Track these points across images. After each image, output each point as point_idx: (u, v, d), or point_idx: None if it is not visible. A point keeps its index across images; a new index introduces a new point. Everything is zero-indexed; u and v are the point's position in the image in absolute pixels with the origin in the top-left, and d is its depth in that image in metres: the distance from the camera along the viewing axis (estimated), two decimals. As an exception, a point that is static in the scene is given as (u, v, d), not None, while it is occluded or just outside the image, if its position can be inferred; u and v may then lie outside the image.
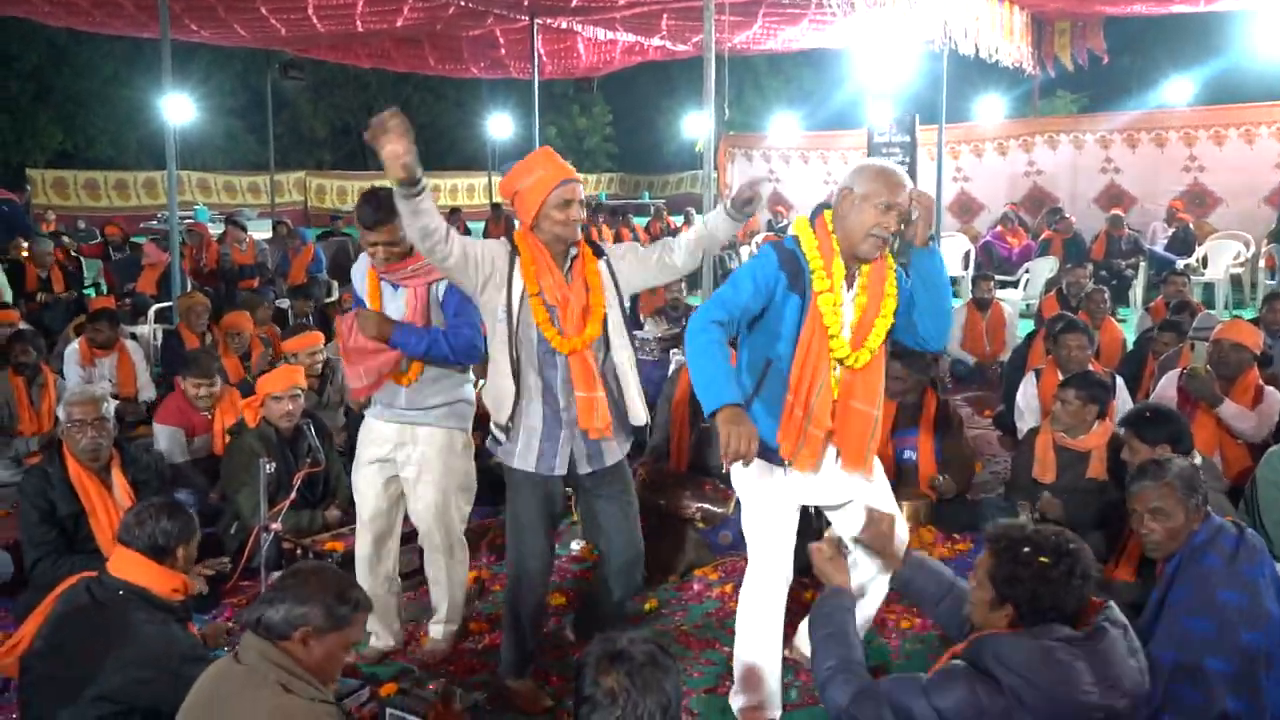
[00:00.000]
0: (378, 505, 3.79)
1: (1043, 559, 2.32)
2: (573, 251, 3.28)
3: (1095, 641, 2.31)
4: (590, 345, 3.22)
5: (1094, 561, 2.38)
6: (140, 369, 7.05)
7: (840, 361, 3.04)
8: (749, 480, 3.17)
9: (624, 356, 3.31)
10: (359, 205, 3.49)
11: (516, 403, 3.23)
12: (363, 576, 3.81)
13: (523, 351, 3.20)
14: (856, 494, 3.21)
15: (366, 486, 3.78)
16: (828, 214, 3.11)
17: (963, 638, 2.52)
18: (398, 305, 3.57)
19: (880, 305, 3.09)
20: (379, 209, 3.43)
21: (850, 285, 3.08)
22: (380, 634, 3.92)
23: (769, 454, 3.07)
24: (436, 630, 3.96)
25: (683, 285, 8.93)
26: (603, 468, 3.35)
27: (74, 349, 6.88)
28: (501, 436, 3.32)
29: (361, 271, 3.70)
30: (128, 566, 2.93)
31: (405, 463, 3.70)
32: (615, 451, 3.37)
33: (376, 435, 3.72)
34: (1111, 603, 2.44)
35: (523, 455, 3.29)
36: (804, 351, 3.01)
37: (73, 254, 11.53)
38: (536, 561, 3.40)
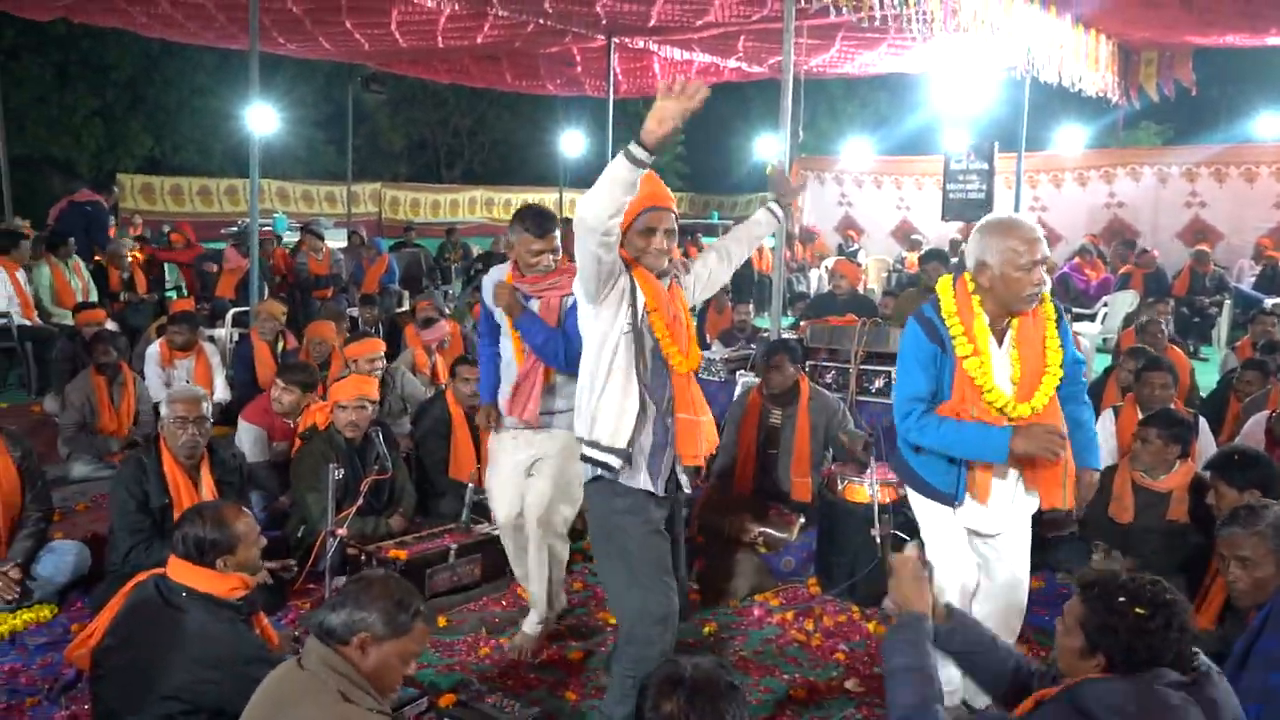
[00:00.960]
0: (512, 508, 4.09)
1: (1139, 609, 2.22)
2: (670, 273, 3.22)
3: (1203, 688, 2.22)
4: (697, 368, 3.27)
5: (1191, 613, 2.28)
6: (217, 371, 7.22)
7: (1002, 411, 3.13)
8: (928, 516, 3.37)
9: None
10: (528, 217, 3.81)
11: (639, 424, 3.05)
12: (518, 565, 4.26)
13: (649, 369, 3.07)
14: (1006, 528, 3.33)
15: (501, 491, 4.11)
16: (967, 278, 3.19)
17: (1002, 697, 2.48)
18: (530, 314, 3.87)
19: (1045, 357, 3.17)
20: (548, 220, 3.82)
21: (1001, 342, 3.18)
22: (534, 606, 4.18)
23: (940, 496, 3.27)
24: (530, 627, 4.11)
25: (750, 308, 8.90)
26: (676, 498, 3.26)
27: (154, 350, 7.06)
28: (615, 461, 3.03)
29: (494, 282, 3.97)
30: (180, 571, 2.98)
31: (531, 461, 4.00)
32: (686, 482, 3.25)
33: (508, 444, 4.04)
34: (1200, 652, 2.34)
35: (643, 477, 3.06)
36: (956, 403, 3.15)
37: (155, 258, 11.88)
38: (667, 602, 3.03)
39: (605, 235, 2.86)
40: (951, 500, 3.24)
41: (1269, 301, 11.32)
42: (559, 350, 3.75)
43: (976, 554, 3.38)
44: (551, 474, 3.96)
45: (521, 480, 4.05)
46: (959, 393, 3.14)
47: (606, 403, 3.04)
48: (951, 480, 3.23)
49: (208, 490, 4.28)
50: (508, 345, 3.96)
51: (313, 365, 5.96)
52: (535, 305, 3.84)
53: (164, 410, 4.35)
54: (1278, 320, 8.21)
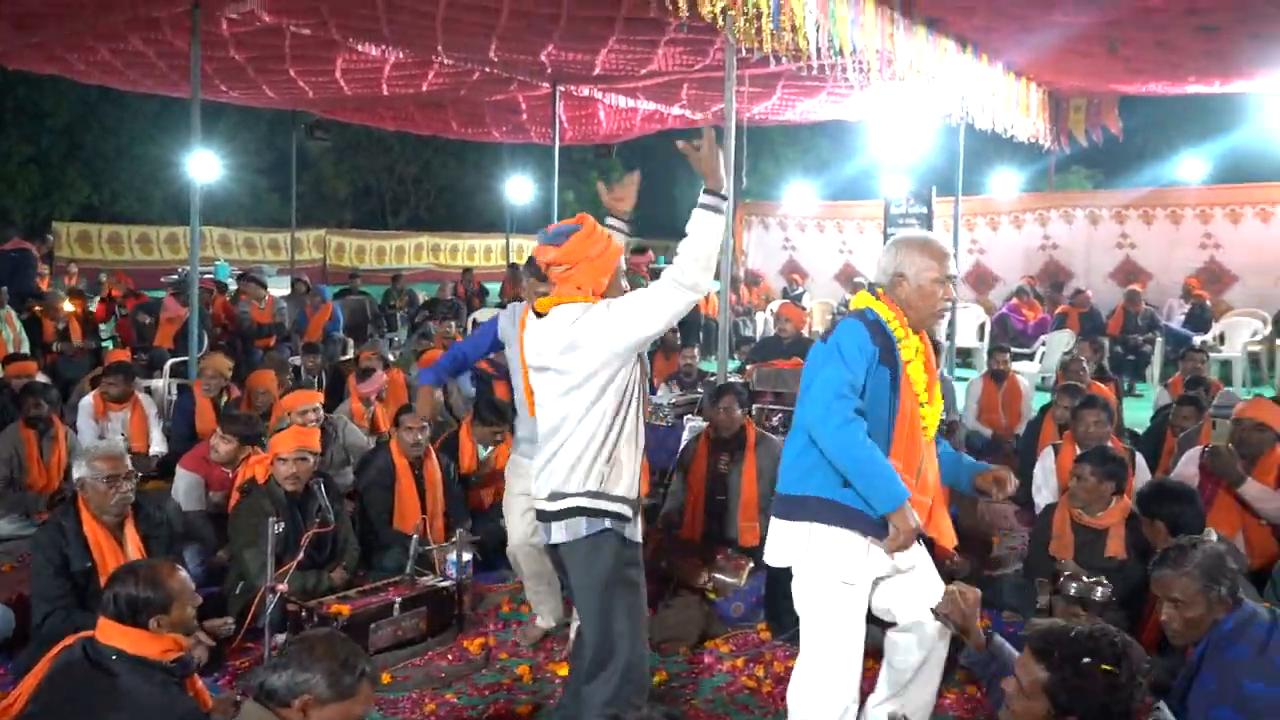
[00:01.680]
0: (525, 530, 4.25)
1: (1106, 667, 2.21)
2: None
3: None
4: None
5: (1144, 655, 2.29)
6: (154, 424, 7.06)
7: (924, 429, 3.09)
8: (837, 557, 3.04)
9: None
10: (531, 261, 3.71)
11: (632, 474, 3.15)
12: (532, 585, 4.50)
13: (638, 412, 3.17)
14: (918, 560, 3.17)
15: (517, 518, 4.29)
16: (881, 292, 3.14)
17: None
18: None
19: (936, 373, 3.15)
20: None
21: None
22: (543, 615, 4.52)
23: (876, 529, 3.00)
24: (543, 621, 4.53)
25: (695, 352, 8.94)
26: None
27: (88, 402, 6.88)
28: (629, 511, 3.13)
29: (512, 322, 4.26)
30: (111, 633, 2.88)
31: None
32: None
33: (524, 470, 4.09)
34: (1162, 704, 2.34)
35: (639, 527, 3.19)
36: (906, 422, 3.01)
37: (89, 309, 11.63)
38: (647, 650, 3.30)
39: (699, 280, 2.97)
40: (883, 529, 2.99)
41: (1198, 339, 11.65)
42: None
43: (890, 601, 3.20)
44: None
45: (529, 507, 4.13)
46: (907, 401, 3.00)
47: (622, 453, 3.11)
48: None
49: (134, 549, 4.12)
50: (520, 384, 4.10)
51: (255, 416, 5.84)
52: None
53: (84, 470, 4.12)
54: (1207, 357, 8.46)
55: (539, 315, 3.23)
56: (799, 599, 3.15)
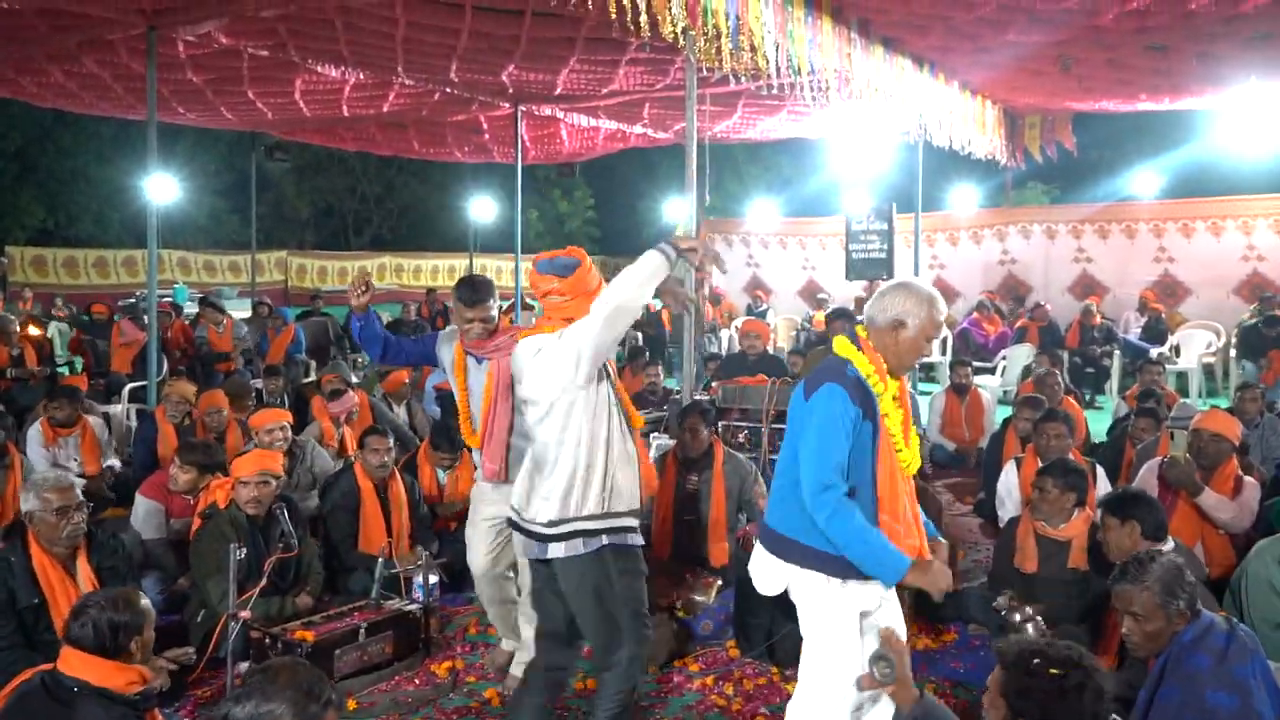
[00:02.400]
0: (487, 560, 4.16)
1: (1053, 670, 2.26)
2: None
3: None
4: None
5: (1108, 679, 2.32)
6: (106, 446, 7.01)
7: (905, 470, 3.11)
8: (815, 601, 3.08)
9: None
10: (461, 286, 4.01)
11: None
12: (496, 612, 4.34)
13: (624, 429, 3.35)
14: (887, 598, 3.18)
15: (479, 541, 4.18)
16: (862, 332, 3.15)
17: None
18: (480, 377, 4.03)
19: (909, 411, 3.16)
20: (476, 290, 3.99)
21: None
22: (507, 638, 4.40)
23: (849, 569, 3.01)
24: (519, 668, 4.23)
25: (660, 370, 8.96)
26: None
27: (37, 430, 6.77)
28: (631, 523, 3.34)
29: (449, 347, 4.18)
30: (77, 665, 2.83)
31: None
32: None
33: (490, 496, 4.08)
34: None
35: (636, 532, 3.40)
36: (886, 471, 3.01)
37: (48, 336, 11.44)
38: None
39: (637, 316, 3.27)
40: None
41: (1154, 351, 11.86)
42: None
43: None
44: None
45: (500, 537, 4.13)
46: (885, 451, 3.02)
47: (618, 475, 3.27)
48: None
49: (86, 581, 3.99)
50: (475, 404, 4.07)
51: (214, 444, 5.75)
52: (485, 368, 4.01)
53: (32, 502, 3.98)
54: (1163, 369, 8.60)
55: (523, 346, 3.42)
56: (805, 631, 3.16)
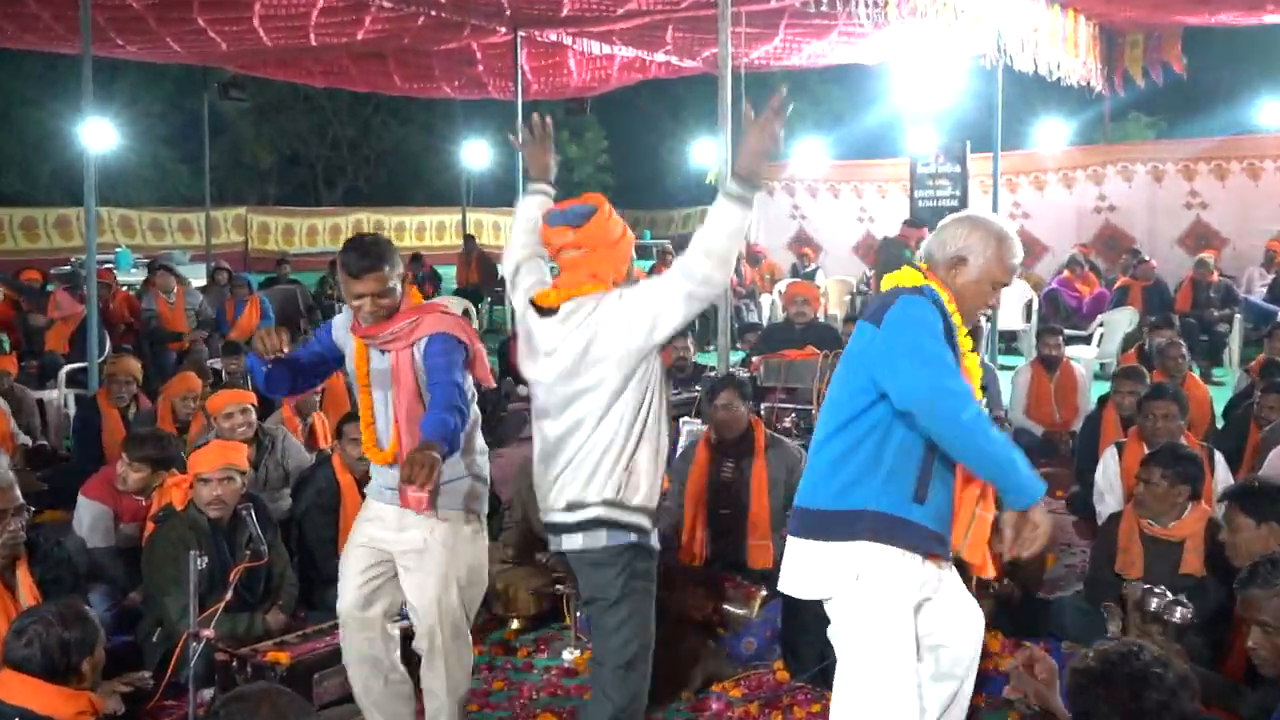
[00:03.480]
0: (360, 593, 3.78)
1: (1093, 664, 2.29)
2: None
3: None
4: None
5: (1195, 691, 2.32)
6: (9, 416, 7.18)
7: None
8: (895, 580, 3.04)
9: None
10: (342, 252, 3.61)
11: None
12: (355, 666, 3.84)
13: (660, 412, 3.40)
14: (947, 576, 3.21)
15: (351, 571, 3.80)
16: (926, 268, 3.16)
17: None
18: (383, 371, 3.66)
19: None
20: (365, 254, 3.54)
21: None
22: None
23: (939, 544, 3.07)
24: None
25: (690, 343, 8.96)
26: None
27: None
28: (649, 523, 3.40)
29: (344, 332, 3.80)
30: (17, 690, 2.88)
31: (403, 551, 3.69)
32: None
33: (374, 513, 3.79)
34: None
35: (656, 537, 3.47)
36: None
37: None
38: None
39: (719, 282, 3.24)
40: (944, 544, 3.06)
41: (1284, 314, 11.74)
42: (455, 425, 3.41)
43: (929, 625, 3.22)
44: (438, 569, 3.64)
45: (380, 570, 3.76)
46: None
47: (642, 459, 3.33)
48: (942, 517, 3.05)
49: (28, 595, 3.99)
50: (381, 408, 3.70)
51: (167, 435, 5.80)
52: (387, 359, 3.63)
53: None
54: (1294, 336, 8.49)
55: (542, 311, 3.38)
56: (844, 633, 3.13)
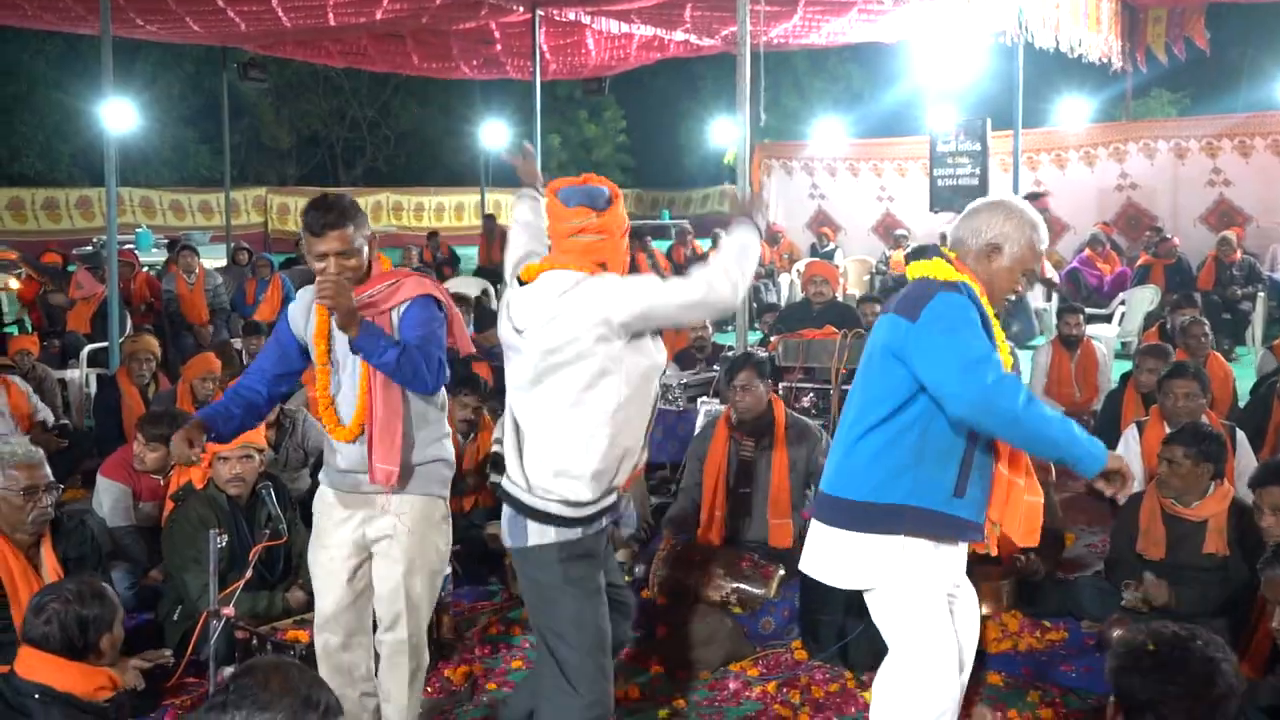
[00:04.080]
0: (341, 598, 3.60)
1: (1150, 646, 2.28)
2: None
3: None
4: None
5: (1234, 660, 2.31)
6: (30, 395, 7.25)
7: None
8: (933, 570, 3.09)
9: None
10: (305, 211, 3.40)
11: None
12: (328, 678, 3.47)
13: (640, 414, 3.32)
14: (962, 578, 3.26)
15: (327, 574, 3.60)
16: (954, 256, 3.14)
17: None
18: (347, 345, 3.42)
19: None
20: (329, 210, 3.34)
21: None
22: None
23: (968, 529, 3.08)
24: None
25: (708, 324, 8.92)
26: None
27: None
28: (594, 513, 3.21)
29: (302, 314, 3.57)
30: (37, 667, 2.90)
31: (373, 539, 3.56)
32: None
33: (339, 514, 3.58)
34: None
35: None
36: None
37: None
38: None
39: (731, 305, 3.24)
40: (981, 531, 3.09)
41: (1308, 292, 11.64)
42: (419, 365, 3.35)
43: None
44: (404, 556, 3.52)
45: (357, 563, 3.60)
46: None
47: (612, 454, 3.15)
48: (980, 507, 3.08)
49: (51, 573, 4.03)
50: (348, 380, 3.48)
51: (185, 413, 5.80)
52: None
53: None
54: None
55: (523, 282, 3.22)
56: (887, 618, 3.17)
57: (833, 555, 3.15)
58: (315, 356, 3.52)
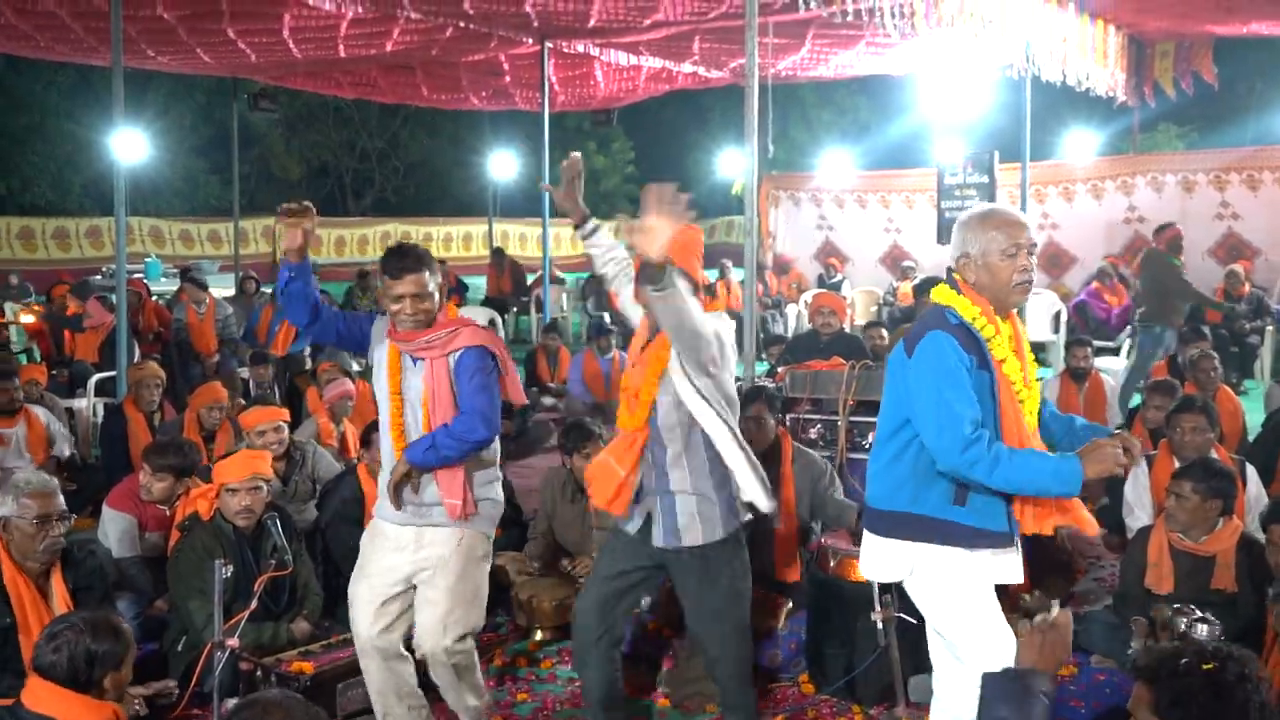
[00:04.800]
0: (379, 621, 3.84)
1: (1207, 665, 2.27)
2: None
3: None
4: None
5: (1255, 661, 2.32)
6: (57, 435, 7.25)
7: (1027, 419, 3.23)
8: (948, 569, 3.25)
9: None
10: (384, 258, 3.75)
11: None
12: (379, 700, 3.94)
13: None
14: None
15: (364, 599, 3.85)
16: (958, 279, 3.30)
17: None
18: (416, 382, 3.73)
19: (1026, 352, 3.30)
20: (406, 256, 3.69)
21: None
22: None
23: (995, 539, 3.22)
24: None
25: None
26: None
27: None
28: None
29: (380, 338, 3.85)
30: (45, 698, 2.89)
31: (422, 568, 3.78)
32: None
33: (390, 539, 3.83)
34: None
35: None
36: (1011, 422, 3.17)
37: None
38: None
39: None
40: (1010, 539, 3.25)
41: (1316, 326, 11.60)
42: (462, 439, 3.65)
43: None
44: (448, 585, 3.75)
45: (397, 590, 3.84)
46: (1009, 410, 3.17)
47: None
48: (1004, 515, 3.22)
49: (61, 602, 4.06)
50: (411, 414, 3.76)
51: (191, 443, 5.82)
52: (422, 369, 3.72)
53: (8, 508, 4.04)
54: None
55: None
56: (932, 619, 3.37)
57: (869, 554, 3.41)
58: (388, 386, 3.80)
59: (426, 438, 3.65)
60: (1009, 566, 3.27)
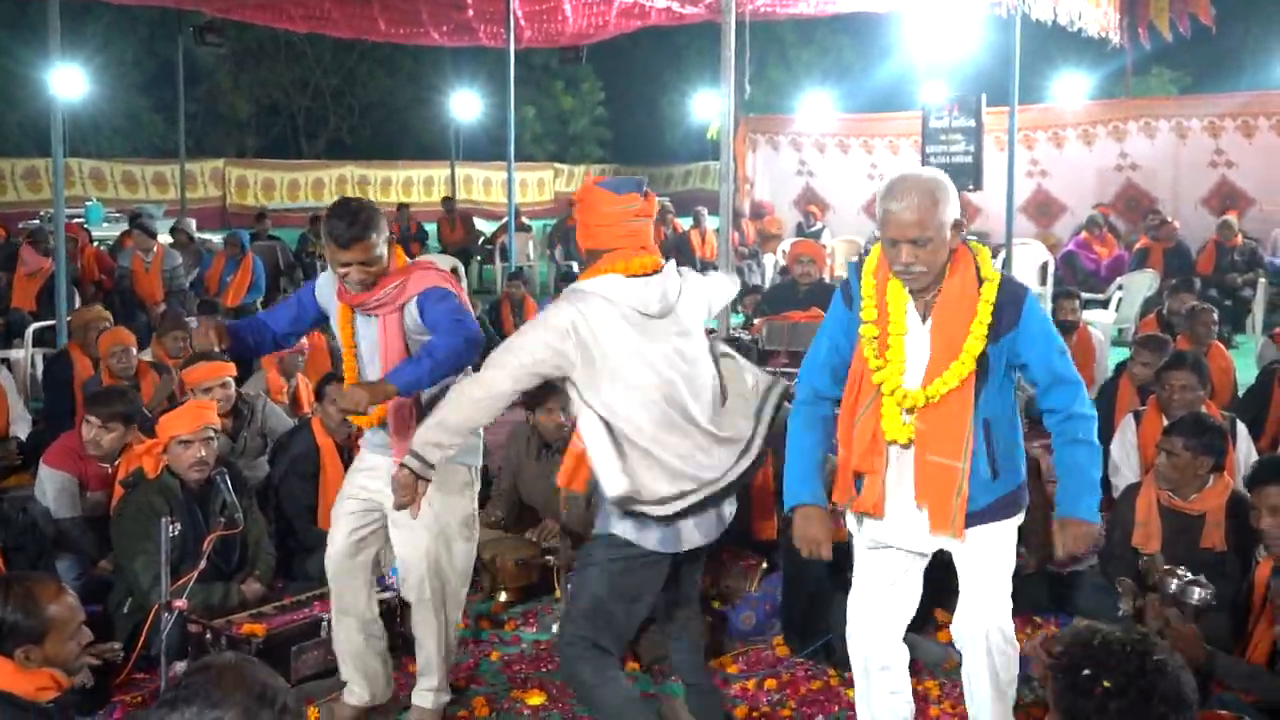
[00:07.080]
0: (349, 541, 3.98)
1: (1106, 684, 2.15)
2: None
3: None
4: None
5: (1189, 684, 2.20)
6: (12, 399, 7.01)
7: (902, 405, 3.19)
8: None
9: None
10: (328, 219, 3.68)
11: None
12: (338, 623, 4.06)
13: None
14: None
15: (343, 519, 4.00)
16: None
17: None
18: (370, 336, 3.80)
19: (961, 342, 3.14)
20: (353, 223, 3.61)
21: (925, 317, 3.21)
22: (358, 686, 4.05)
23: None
24: (423, 698, 4.02)
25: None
26: None
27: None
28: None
29: (329, 293, 3.90)
30: None
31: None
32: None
33: (369, 464, 3.98)
34: None
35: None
36: (853, 392, 3.26)
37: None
38: None
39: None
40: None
41: (1312, 278, 11.72)
42: (455, 354, 3.66)
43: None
44: (429, 521, 3.77)
45: (371, 520, 3.97)
46: (854, 368, 3.28)
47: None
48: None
49: None
50: (371, 368, 3.83)
51: (130, 388, 5.74)
52: (375, 325, 3.77)
53: None
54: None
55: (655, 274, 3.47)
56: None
57: None
58: (342, 341, 3.92)
59: (417, 358, 3.65)
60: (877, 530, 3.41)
